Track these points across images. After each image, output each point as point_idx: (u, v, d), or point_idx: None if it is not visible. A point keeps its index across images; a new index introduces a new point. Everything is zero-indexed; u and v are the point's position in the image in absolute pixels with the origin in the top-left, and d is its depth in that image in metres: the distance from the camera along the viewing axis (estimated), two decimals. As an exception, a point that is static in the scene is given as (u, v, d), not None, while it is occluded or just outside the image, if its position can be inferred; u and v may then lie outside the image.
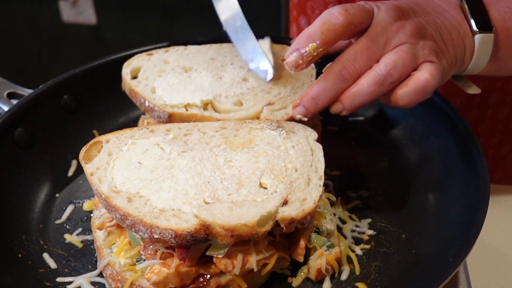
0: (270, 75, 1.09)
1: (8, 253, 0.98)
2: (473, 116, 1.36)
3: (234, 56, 1.19)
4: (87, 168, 0.95)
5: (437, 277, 0.85)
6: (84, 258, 1.01)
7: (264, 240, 0.91)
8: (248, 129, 1.02)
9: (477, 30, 0.97)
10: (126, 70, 1.16)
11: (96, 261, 0.99)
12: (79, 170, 1.16)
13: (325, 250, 0.95)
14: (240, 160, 0.96)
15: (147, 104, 1.09)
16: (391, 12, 0.94)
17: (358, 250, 1.01)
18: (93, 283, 0.96)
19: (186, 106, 1.08)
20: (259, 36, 1.25)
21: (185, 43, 1.24)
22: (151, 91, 1.11)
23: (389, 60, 0.92)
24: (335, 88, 0.94)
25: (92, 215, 1.04)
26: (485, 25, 0.98)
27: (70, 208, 1.10)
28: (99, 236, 0.98)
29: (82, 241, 1.04)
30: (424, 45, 0.94)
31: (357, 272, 0.97)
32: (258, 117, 1.07)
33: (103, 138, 1.01)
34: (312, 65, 1.12)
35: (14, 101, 1.18)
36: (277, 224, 0.88)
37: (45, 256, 1.00)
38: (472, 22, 0.98)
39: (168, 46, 1.23)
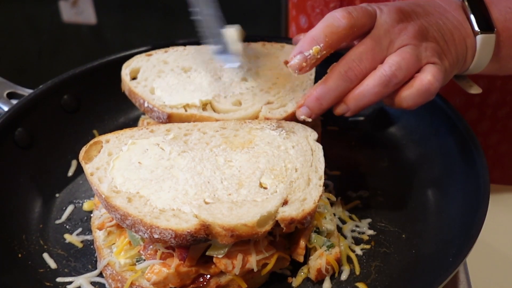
0: (236, 63, 1.07)
1: (8, 253, 0.98)
2: (473, 115, 1.36)
3: (234, 56, 1.19)
4: (87, 168, 0.95)
5: (437, 277, 0.85)
6: (84, 258, 1.01)
7: (264, 240, 0.91)
8: (248, 129, 1.02)
9: (479, 30, 0.98)
10: (126, 71, 1.16)
11: (96, 261, 0.99)
12: (79, 170, 1.16)
13: (325, 250, 0.95)
14: (240, 160, 0.96)
15: (146, 104, 1.09)
16: (394, 14, 0.94)
17: (358, 250, 1.01)
18: (93, 283, 0.96)
19: (185, 107, 1.08)
20: (258, 36, 1.26)
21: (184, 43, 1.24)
22: (150, 92, 1.11)
23: (393, 61, 0.92)
24: (340, 89, 0.94)
25: (92, 215, 1.04)
26: (486, 26, 0.98)
27: (70, 208, 1.10)
28: (99, 236, 0.98)
29: (82, 241, 1.04)
30: (426, 47, 0.94)
31: (357, 272, 0.97)
32: (257, 117, 1.07)
33: (103, 138, 1.01)
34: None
35: (14, 101, 1.18)
36: (277, 224, 0.88)
37: (45, 256, 1.00)
38: (474, 22, 0.98)
39: (167, 46, 1.23)
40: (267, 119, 1.05)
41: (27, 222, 1.06)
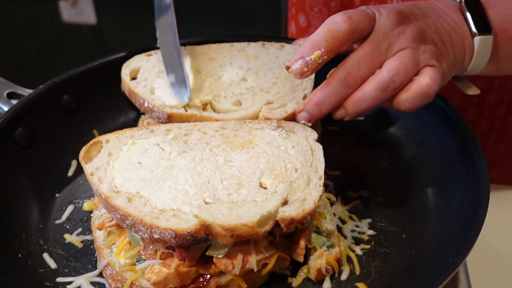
0: (186, 99, 1.07)
1: (8, 253, 0.98)
2: (471, 115, 1.37)
3: (233, 56, 1.19)
4: (87, 168, 0.95)
5: (437, 277, 0.85)
6: (84, 258, 1.01)
7: (264, 240, 0.91)
8: (248, 129, 1.02)
9: (476, 32, 0.98)
10: (125, 71, 1.16)
11: (96, 261, 0.99)
12: (79, 170, 1.16)
13: (325, 250, 0.95)
14: (240, 160, 0.96)
15: (146, 105, 1.09)
16: (393, 17, 0.95)
17: (358, 250, 1.01)
18: (93, 283, 0.96)
19: (185, 107, 1.08)
20: (258, 36, 1.26)
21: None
22: (150, 92, 1.11)
23: (391, 66, 0.93)
24: (340, 94, 0.95)
25: (92, 215, 1.04)
26: (484, 27, 0.99)
27: (70, 208, 1.10)
28: (99, 236, 0.98)
29: (82, 241, 1.04)
30: (425, 50, 0.95)
31: (357, 272, 0.97)
32: (257, 117, 1.07)
33: (103, 138, 1.01)
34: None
35: (14, 101, 1.18)
36: (277, 224, 0.88)
37: (45, 256, 1.00)
38: (472, 24, 0.99)
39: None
40: (267, 119, 1.05)
41: (27, 222, 1.06)
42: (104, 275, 0.96)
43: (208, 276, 0.91)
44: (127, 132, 1.02)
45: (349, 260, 0.99)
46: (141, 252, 0.93)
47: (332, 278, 0.96)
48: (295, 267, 0.97)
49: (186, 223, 0.85)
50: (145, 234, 0.86)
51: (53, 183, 1.14)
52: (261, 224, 0.86)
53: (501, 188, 1.32)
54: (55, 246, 1.03)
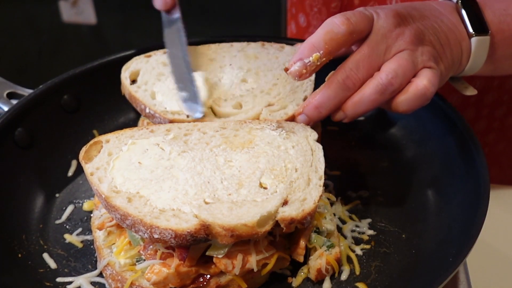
0: (199, 115, 1.05)
1: (8, 253, 0.99)
2: (470, 114, 1.37)
3: (233, 56, 1.19)
4: (87, 168, 0.95)
5: (437, 277, 0.85)
6: (84, 258, 1.01)
7: (264, 240, 0.91)
8: (248, 129, 1.02)
9: (473, 32, 0.99)
10: (125, 74, 1.16)
11: (96, 261, 0.99)
12: (79, 170, 1.16)
13: (325, 250, 0.95)
14: (240, 160, 0.96)
15: (147, 110, 1.09)
16: (391, 19, 0.95)
17: (358, 250, 1.01)
18: (93, 283, 0.96)
19: None
20: (258, 36, 1.26)
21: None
22: (151, 97, 1.10)
23: (390, 69, 0.93)
24: (339, 97, 0.96)
25: (92, 215, 1.04)
26: (481, 28, 0.99)
27: (70, 208, 1.10)
28: (99, 236, 0.98)
29: (82, 241, 1.04)
30: (423, 51, 0.95)
31: (357, 272, 0.97)
32: (257, 119, 1.06)
33: (103, 138, 1.01)
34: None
35: (14, 101, 1.18)
36: (277, 224, 0.88)
37: (45, 256, 1.00)
38: (468, 24, 0.99)
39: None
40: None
41: (27, 222, 1.06)
42: (104, 275, 0.96)
43: (208, 276, 0.91)
44: (127, 132, 1.02)
45: (349, 260, 0.99)
46: (141, 252, 0.93)
47: (332, 278, 0.96)
48: (295, 267, 0.97)
49: (186, 223, 0.85)
50: (145, 234, 0.86)
51: (53, 183, 1.14)
52: (261, 224, 0.86)
53: (501, 188, 1.32)
54: (55, 246, 1.03)
